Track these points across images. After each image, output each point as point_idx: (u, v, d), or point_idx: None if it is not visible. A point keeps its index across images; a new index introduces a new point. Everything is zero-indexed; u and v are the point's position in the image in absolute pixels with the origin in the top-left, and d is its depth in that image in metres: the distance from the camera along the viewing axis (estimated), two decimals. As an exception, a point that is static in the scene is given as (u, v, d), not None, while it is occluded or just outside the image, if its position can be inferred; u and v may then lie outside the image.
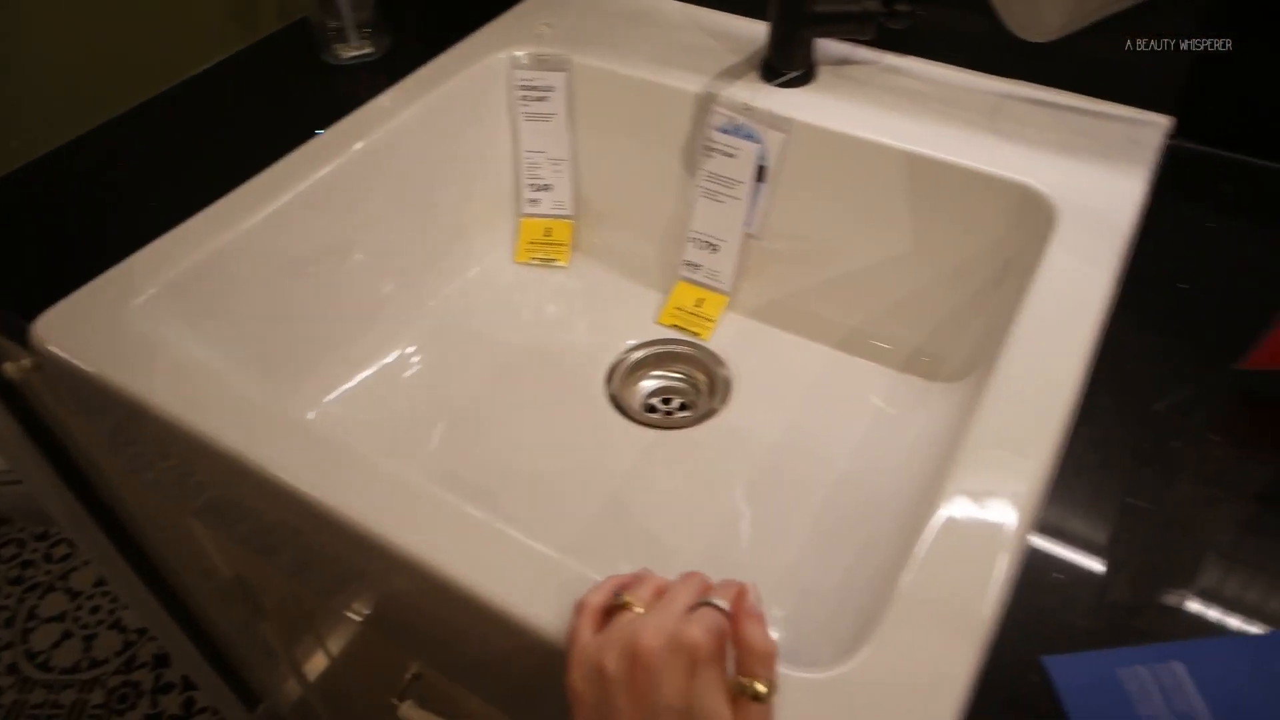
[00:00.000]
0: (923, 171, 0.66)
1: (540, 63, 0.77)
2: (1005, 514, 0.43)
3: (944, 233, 0.67)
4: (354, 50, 0.80)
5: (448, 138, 0.76)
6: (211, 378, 0.51)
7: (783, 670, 0.37)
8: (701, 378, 0.75)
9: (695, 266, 0.78)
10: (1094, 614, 0.42)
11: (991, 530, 0.43)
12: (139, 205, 0.65)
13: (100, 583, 1.44)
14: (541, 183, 0.82)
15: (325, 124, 0.70)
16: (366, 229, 0.71)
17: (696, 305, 0.79)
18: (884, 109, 0.69)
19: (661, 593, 0.39)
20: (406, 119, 0.73)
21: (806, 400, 0.71)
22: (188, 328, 0.57)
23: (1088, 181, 0.62)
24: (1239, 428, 0.50)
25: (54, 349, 0.53)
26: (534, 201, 0.83)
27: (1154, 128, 0.67)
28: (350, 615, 0.63)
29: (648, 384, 0.76)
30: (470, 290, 0.80)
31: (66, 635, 1.38)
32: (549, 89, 0.78)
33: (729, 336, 0.77)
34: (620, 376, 0.75)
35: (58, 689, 1.31)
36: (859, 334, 0.74)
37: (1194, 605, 0.42)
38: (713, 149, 0.73)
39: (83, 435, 0.78)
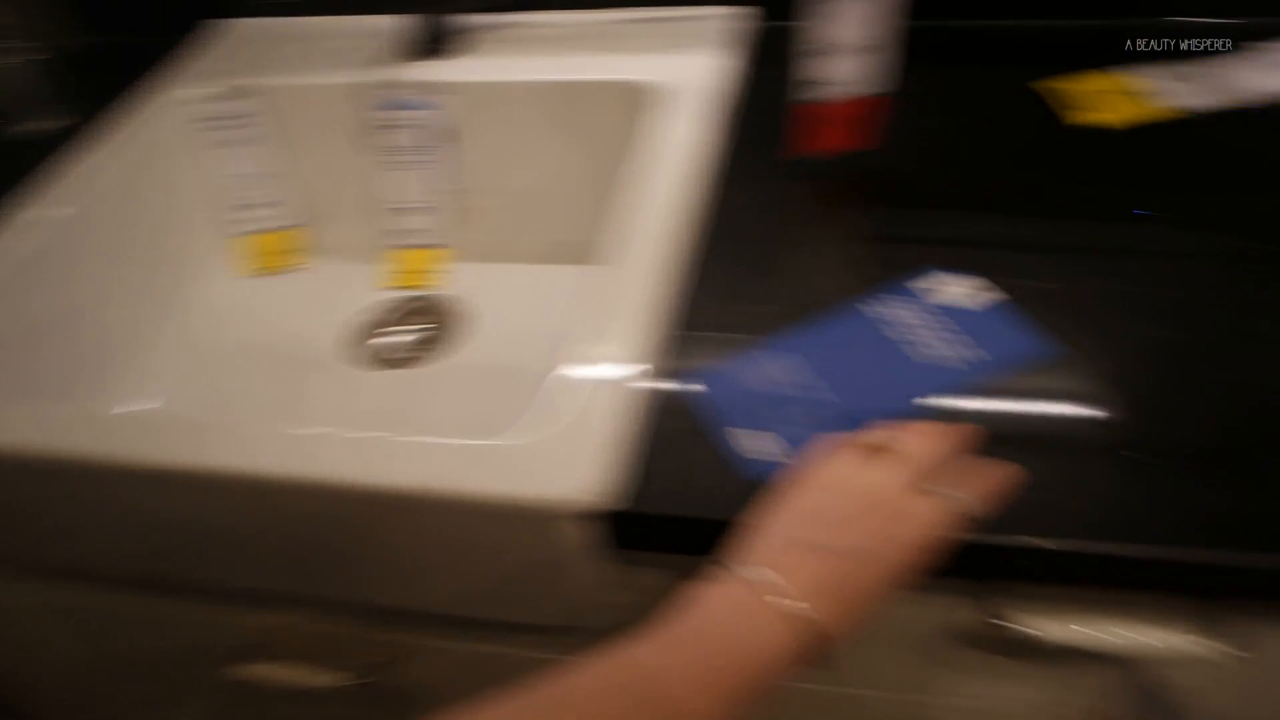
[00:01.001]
0: (558, 94, 0.80)
1: (221, 94, 0.86)
2: (643, 296, 0.58)
3: (588, 138, 0.82)
4: (37, 124, 0.85)
5: (147, 183, 0.83)
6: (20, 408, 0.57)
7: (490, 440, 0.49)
8: (436, 322, 0.86)
9: (408, 232, 0.89)
10: (725, 346, 0.56)
11: (638, 313, 0.57)
12: None
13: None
14: (256, 201, 0.91)
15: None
16: (97, 279, 0.77)
17: (419, 264, 0.90)
18: (518, 56, 0.83)
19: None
20: (103, 177, 0.79)
21: (524, 310, 0.84)
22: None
23: (689, 67, 0.78)
24: (796, 201, 0.67)
25: None
26: (254, 220, 0.91)
27: (742, 18, 0.84)
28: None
29: (391, 338, 0.86)
30: (212, 310, 0.87)
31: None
32: (237, 115, 0.86)
33: (453, 281, 0.89)
34: (363, 339, 0.85)
35: None
36: (555, 246, 0.87)
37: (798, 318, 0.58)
38: (385, 126, 0.84)
39: None
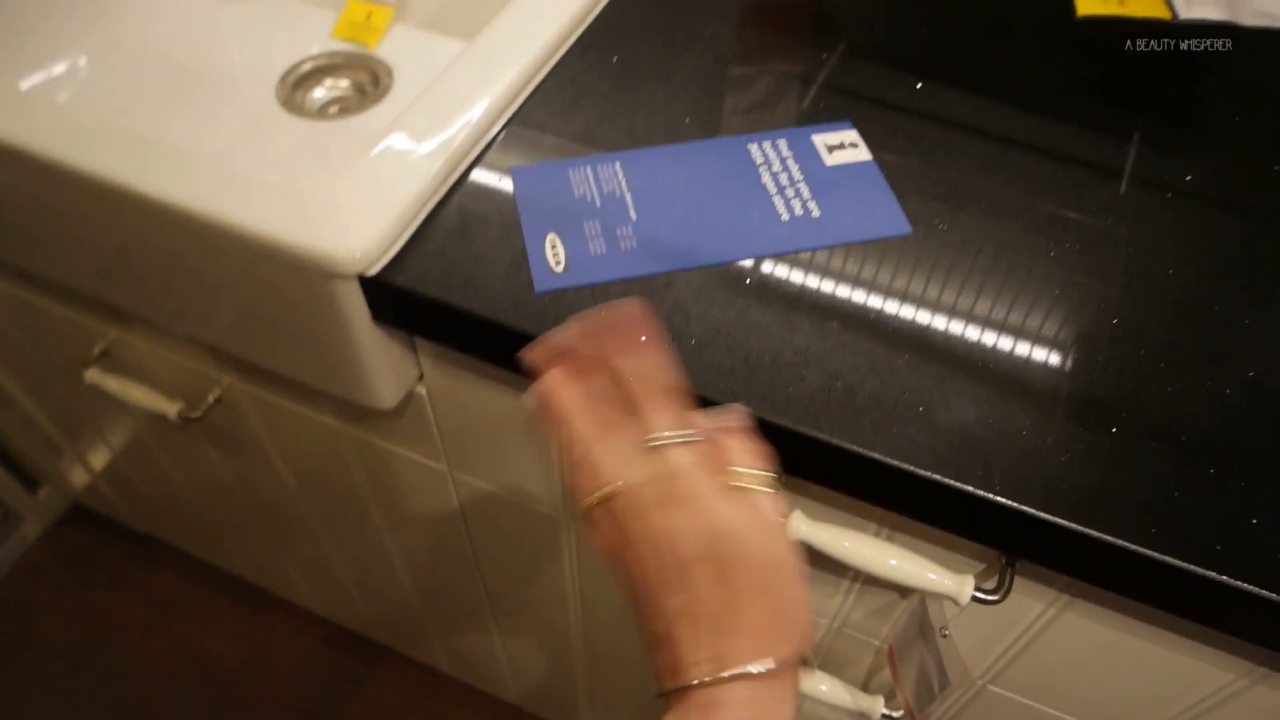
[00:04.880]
0: None
1: None
2: (513, 78, 0.52)
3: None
4: None
5: None
6: None
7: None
8: (368, 80, 0.81)
9: (359, -20, 0.83)
10: (573, 145, 0.51)
11: (500, 94, 0.52)
12: None
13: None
14: (211, -90, 0.84)
15: None
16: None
17: (367, 18, 0.84)
18: None
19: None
20: None
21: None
22: None
23: None
24: (745, 20, 0.59)
25: None
26: (206, -70, 0.85)
27: None
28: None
29: (319, 90, 0.81)
30: (151, 17, 0.83)
31: None
32: None
33: (395, 44, 0.83)
34: (296, 84, 0.80)
35: None
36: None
37: (646, 135, 0.52)
38: None
39: None
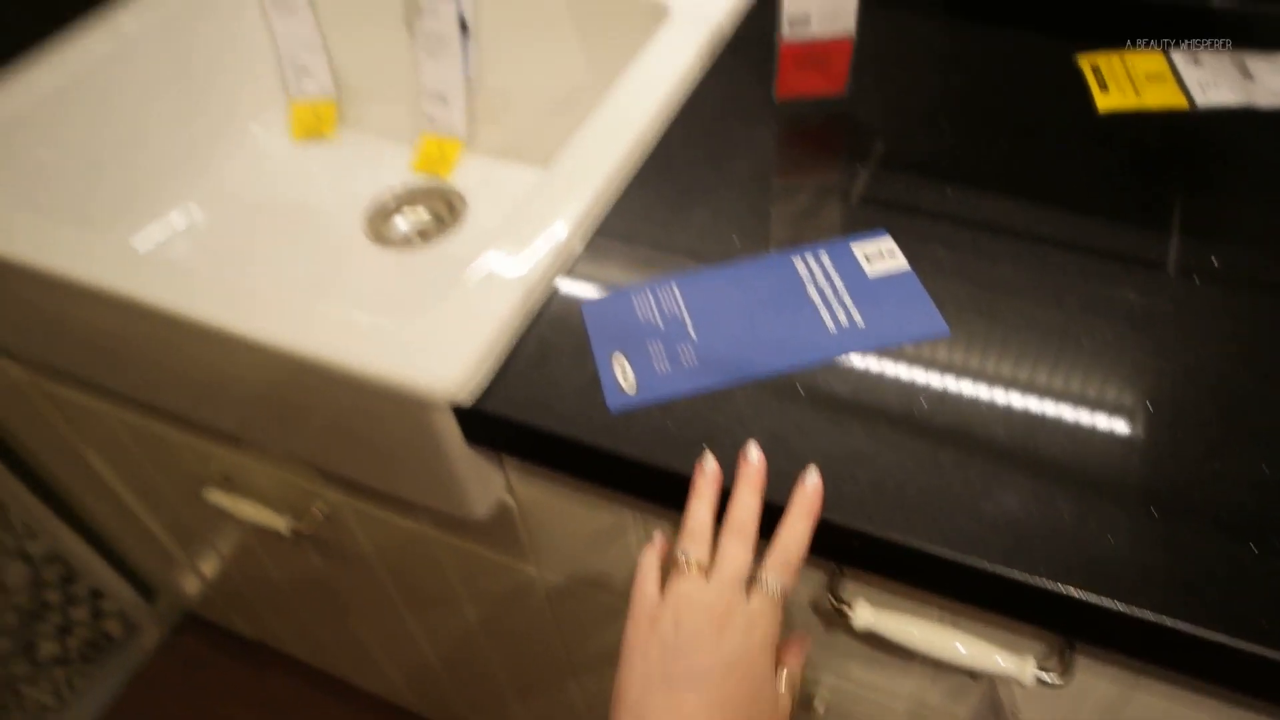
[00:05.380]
0: (582, 6, 0.80)
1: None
2: (574, 207, 0.58)
3: (605, 48, 0.81)
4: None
5: (202, 40, 0.88)
6: (51, 228, 0.63)
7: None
8: (444, 208, 0.89)
9: (433, 119, 0.92)
10: (632, 268, 0.57)
11: (561, 223, 0.57)
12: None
13: None
14: (304, 67, 0.95)
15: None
16: (148, 115, 0.84)
17: (440, 152, 0.92)
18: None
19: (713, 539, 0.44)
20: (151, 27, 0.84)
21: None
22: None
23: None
24: (783, 140, 0.65)
25: None
26: (300, 85, 0.96)
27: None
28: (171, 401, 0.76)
29: (400, 220, 0.89)
30: (251, 164, 0.93)
31: (-22, 571, 1.49)
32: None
33: (466, 173, 0.91)
34: (380, 217, 0.89)
35: (-25, 615, 1.42)
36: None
37: (700, 255, 0.57)
38: (422, 11, 0.86)
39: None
